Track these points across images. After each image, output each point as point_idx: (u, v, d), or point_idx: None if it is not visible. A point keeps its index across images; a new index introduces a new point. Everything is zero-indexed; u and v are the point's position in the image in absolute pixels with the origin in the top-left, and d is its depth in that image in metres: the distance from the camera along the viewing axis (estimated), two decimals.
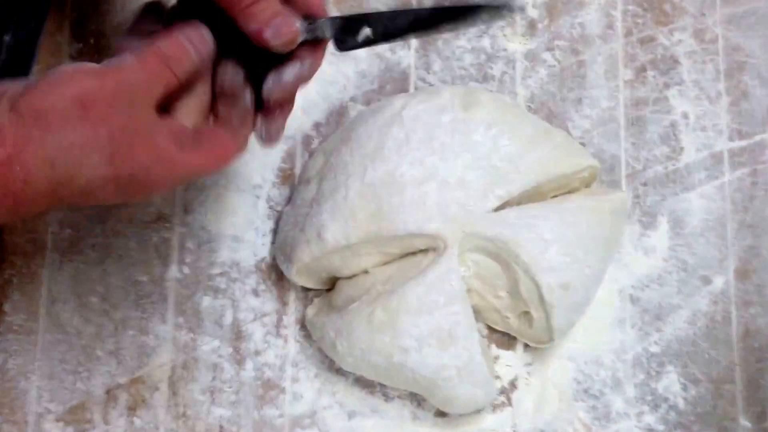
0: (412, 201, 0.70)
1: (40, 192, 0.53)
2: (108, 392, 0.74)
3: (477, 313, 0.75)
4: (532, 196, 0.73)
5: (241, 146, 0.62)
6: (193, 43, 0.59)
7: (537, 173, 0.71)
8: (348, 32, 0.63)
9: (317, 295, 0.77)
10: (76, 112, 0.53)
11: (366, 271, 0.73)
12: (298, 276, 0.73)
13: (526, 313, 0.73)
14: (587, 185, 0.77)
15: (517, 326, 0.74)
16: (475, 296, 0.73)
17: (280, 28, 0.59)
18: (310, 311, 0.75)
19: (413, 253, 0.72)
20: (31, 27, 0.73)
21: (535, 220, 0.71)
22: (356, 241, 0.70)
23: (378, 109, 0.75)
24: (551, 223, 0.71)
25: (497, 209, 0.72)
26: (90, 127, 0.53)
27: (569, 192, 0.76)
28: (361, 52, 0.80)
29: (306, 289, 0.77)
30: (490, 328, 0.76)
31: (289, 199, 0.78)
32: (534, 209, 0.72)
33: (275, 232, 0.77)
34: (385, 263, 0.73)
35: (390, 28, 0.63)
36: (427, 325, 0.68)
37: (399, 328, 0.68)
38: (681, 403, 0.76)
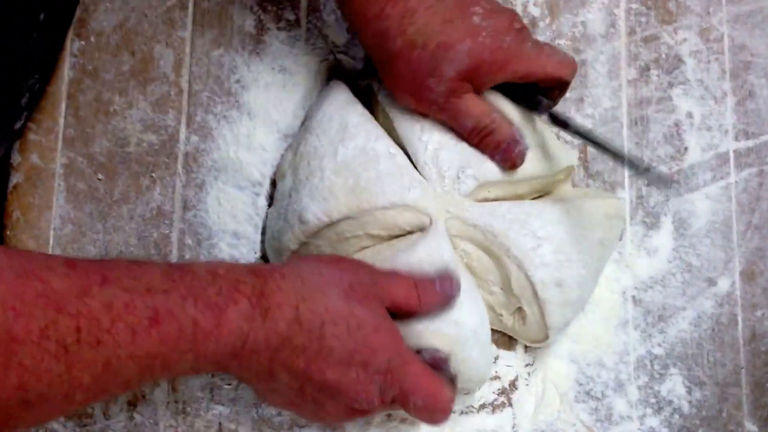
0: (389, 172, 0.70)
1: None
2: None
3: None
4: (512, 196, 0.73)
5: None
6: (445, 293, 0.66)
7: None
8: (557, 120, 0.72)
9: None
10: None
11: None
12: None
13: (520, 310, 0.72)
14: (566, 178, 0.77)
15: (511, 324, 0.74)
16: None
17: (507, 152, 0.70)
18: None
19: (402, 236, 0.72)
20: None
21: (527, 216, 0.70)
22: (338, 218, 0.70)
23: (330, 90, 0.75)
24: (543, 221, 0.70)
25: (485, 200, 0.72)
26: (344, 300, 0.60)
27: (547, 193, 0.76)
28: (361, 50, 0.80)
29: None
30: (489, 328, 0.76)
31: None
32: (525, 206, 0.72)
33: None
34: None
35: (587, 137, 0.72)
36: None
37: None
38: (685, 406, 0.76)
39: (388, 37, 0.67)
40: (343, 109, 0.73)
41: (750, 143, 0.81)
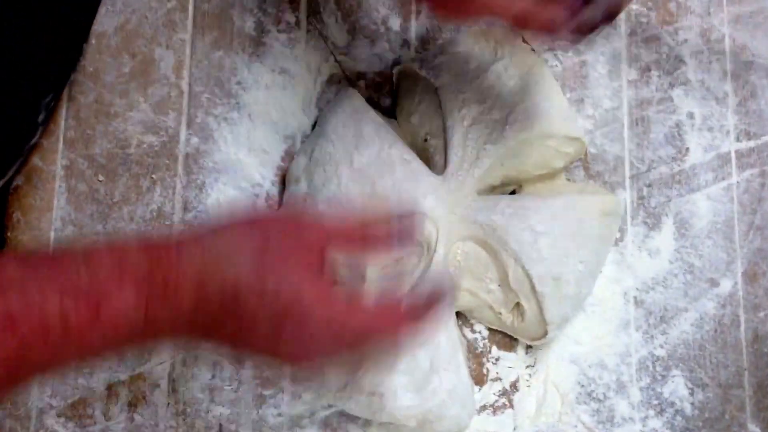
0: (405, 179, 0.71)
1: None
2: (109, 388, 0.75)
3: (470, 312, 0.75)
4: (518, 178, 0.74)
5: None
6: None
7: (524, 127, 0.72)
8: None
9: None
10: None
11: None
12: None
13: (518, 306, 0.73)
14: (571, 162, 0.77)
15: (510, 322, 0.74)
16: (467, 295, 0.73)
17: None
18: None
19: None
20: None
21: (526, 211, 0.71)
22: None
23: (344, 98, 0.76)
24: (541, 216, 0.71)
25: (489, 192, 0.73)
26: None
27: (553, 173, 0.76)
28: (362, 52, 0.81)
29: None
30: (489, 329, 0.76)
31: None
32: (525, 201, 0.72)
33: None
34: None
35: None
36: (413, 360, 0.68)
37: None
38: (688, 408, 0.75)
39: None
40: (357, 115, 0.74)
41: (752, 144, 0.81)
